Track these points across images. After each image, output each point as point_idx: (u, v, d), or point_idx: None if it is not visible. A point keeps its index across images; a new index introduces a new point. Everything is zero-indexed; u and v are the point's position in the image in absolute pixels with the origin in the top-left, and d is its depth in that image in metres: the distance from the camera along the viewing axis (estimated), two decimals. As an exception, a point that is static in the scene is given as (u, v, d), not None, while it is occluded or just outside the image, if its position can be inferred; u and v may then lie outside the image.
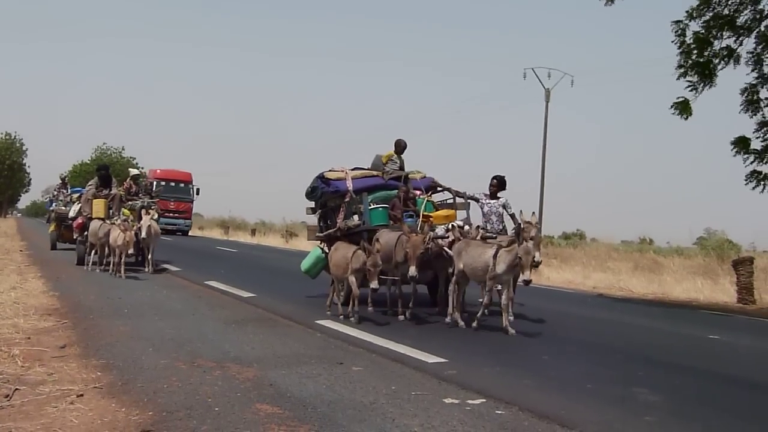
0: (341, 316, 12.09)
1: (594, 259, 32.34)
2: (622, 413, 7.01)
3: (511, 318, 11.79)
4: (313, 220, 16.77)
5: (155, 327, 10.84)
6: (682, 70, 14.32)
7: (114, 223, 18.56)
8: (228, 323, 11.52)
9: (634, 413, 6.98)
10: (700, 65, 13.76)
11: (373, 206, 13.90)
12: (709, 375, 9.46)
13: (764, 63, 13.65)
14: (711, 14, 14.00)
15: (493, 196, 14.04)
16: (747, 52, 13.80)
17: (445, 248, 12.34)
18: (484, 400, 7.06)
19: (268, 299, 14.84)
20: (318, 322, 11.73)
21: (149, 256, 19.75)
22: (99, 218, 19.79)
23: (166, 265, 21.85)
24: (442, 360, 8.90)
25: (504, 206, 13.98)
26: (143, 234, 18.78)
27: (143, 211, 20.40)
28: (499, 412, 6.70)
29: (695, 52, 14.12)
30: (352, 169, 14.64)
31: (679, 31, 14.20)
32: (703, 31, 14.04)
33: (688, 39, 14.11)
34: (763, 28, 13.56)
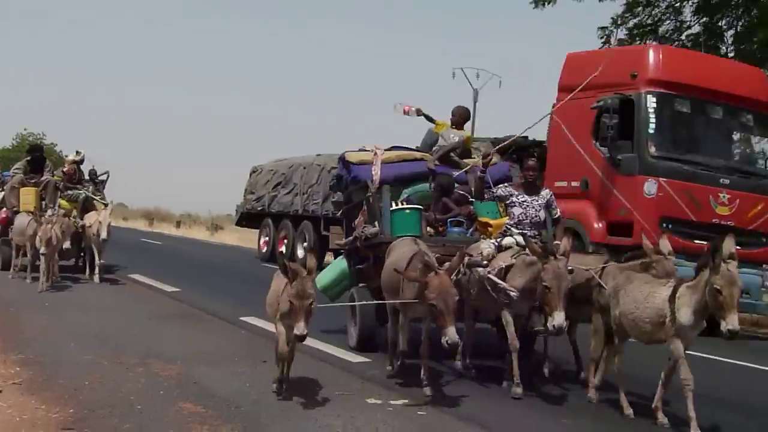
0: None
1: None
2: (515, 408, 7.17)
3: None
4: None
5: (77, 321, 10.67)
6: (607, 76, 14.60)
7: (44, 218, 13.90)
8: (152, 318, 11.41)
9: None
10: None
11: (396, 205, 9.30)
12: None
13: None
14: (635, 22, 14.31)
15: (530, 188, 8.60)
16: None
17: (503, 284, 7.61)
18: (406, 401, 7.10)
19: (193, 294, 14.64)
20: (243, 318, 11.63)
21: (98, 260, 15.24)
22: (28, 211, 14.87)
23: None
24: (367, 360, 8.96)
25: (548, 206, 8.66)
26: (103, 234, 14.46)
27: (101, 206, 16.15)
28: (421, 413, 6.77)
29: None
30: (389, 149, 10.36)
31: (605, 38, 14.53)
32: (628, 39, 14.34)
33: (613, 45, 14.36)
34: (683, 38, 13.91)
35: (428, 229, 9.44)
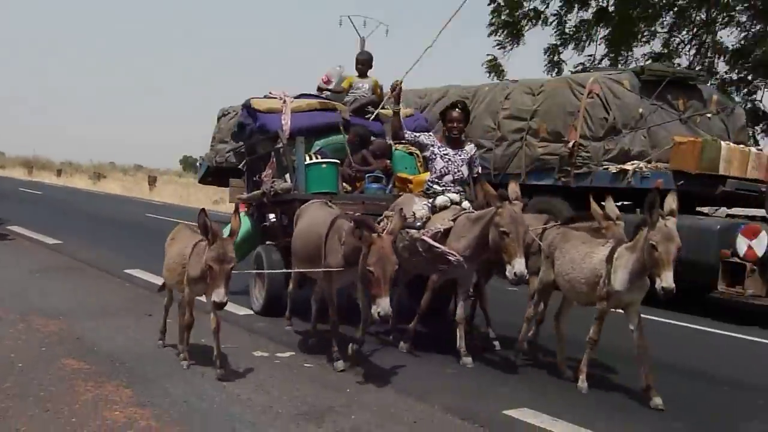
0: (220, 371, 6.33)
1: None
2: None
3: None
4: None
5: (-49, 275, 10.33)
6: (492, 28, 14.75)
7: None
8: (33, 272, 11.12)
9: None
10: (509, 24, 14.23)
11: (312, 159, 8.86)
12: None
13: (566, 24, 14.25)
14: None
15: (454, 141, 7.96)
16: (551, 14, 14.35)
17: (443, 248, 7.03)
18: (292, 353, 7.17)
19: (75, 246, 14.31)
20: (127, 271, 11.47)
21: None
22: None
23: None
24: (250, 312, 8.96)
25: (471, 161, 8.02)
26: None
27: None
28: (308, 365, 6.84)
29: (506, 11, 14.56)
30: (297, 97, 9.65)
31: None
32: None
33: (500, -1, 14.51)
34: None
35: (343, 185, 8.98)
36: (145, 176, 50.49)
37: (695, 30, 13.77)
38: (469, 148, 8.04)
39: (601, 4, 14.09)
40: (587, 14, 14.28)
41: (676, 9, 13.53)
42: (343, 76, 10.00)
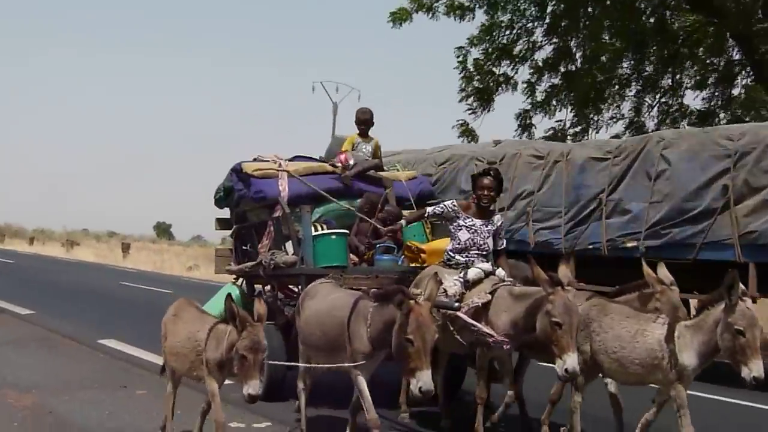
0: None
1: None
2: None
3: None
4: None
5: None
6: (463, 94, 14.97)
7: None
8: (5, 344, 11.00)
9: None
10: (480, 91, 14.43)
11: (319, 230, 7.98)
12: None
13: (536, 90, 14.49)
14: (490, 43, 14.70)
15: (483, 210, 7.14)
16: (522, 81, 14.60)
17: (482, 327, 6.23)
18: (269, 424, 7.09)
19: (48, 316, 14.18)
20: (101, 341, 11.36)
21: None
22: None
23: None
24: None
25: (497, 233, 7.24)
26: None
27: None
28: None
29: (476, 77, 14.78)
30: (291, 160, 8.76)
31: (462, 57, 14.84)
32: (483, 59, 14.73)
33: (470, 65, 14.73)
34: (536, 59, 14.41)
35: (351, 256, 8.05)
36: (119, 243, 50.18)
37: (661, 94, 14.05)
38: (497, 219, 7.28)
39: (570, 68, 14.32)
40: (556, 80, 14.52)
41: (644, 75, 13.81)
42: (344, 137, 9.26)
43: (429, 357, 5.28)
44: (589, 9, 13.88)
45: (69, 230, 59.81)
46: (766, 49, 11.83)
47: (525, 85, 14.56)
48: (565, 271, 5.86)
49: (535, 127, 14.89)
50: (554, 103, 14.73)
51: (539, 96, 14.81)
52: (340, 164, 8.59)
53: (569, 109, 14.60)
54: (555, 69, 14.32)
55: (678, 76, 13.80)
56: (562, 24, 14.11)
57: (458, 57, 14.96)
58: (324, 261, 7.54)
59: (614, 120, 14.70)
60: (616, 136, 14.28)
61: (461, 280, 6.59)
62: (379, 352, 5.72)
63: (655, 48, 13.24)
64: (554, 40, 14.45)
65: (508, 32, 14.54)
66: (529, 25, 14.47)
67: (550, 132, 14.64)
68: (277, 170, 8.30)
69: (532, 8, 14.28)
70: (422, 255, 7.80)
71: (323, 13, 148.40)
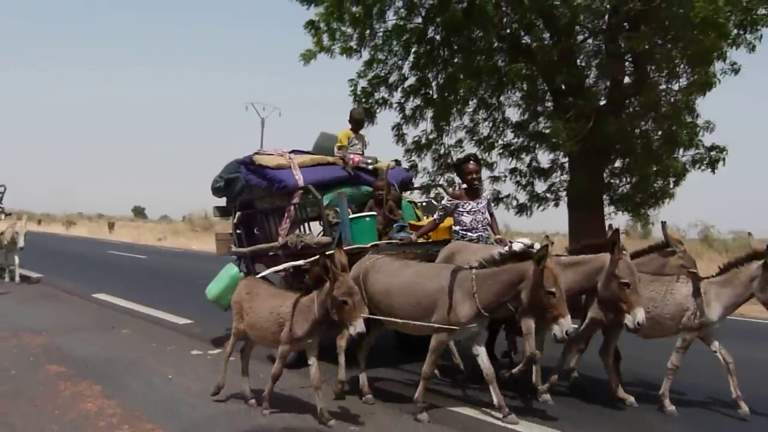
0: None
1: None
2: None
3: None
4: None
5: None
6: (354, 112, 14.97)
7: None
8: (22, 300, 10.55)
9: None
10: (366, 110, 14.41)
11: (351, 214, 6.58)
12: None
13: (405, 109, 14.56)
14: (372, 75, 14.71)
15: (473, 191, 6.37)
16: (395, 102, 14.65)
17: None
18: (220, 350, 6.91)
19: (54, 277, 13.67)
20: (94, 295, 10.98)
21: (17, 264, 13.05)
22: None
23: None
24: (190, 321, 8.72)
25: (488, 204, 6.46)
26: (21, 243, 12.50)
27: (14, 217, 14.25)
28: (231, 358, 6.66)
29: (363, 100, 14.76)
30: (291, 152, 7.37)
31: (353, 86, 14.78)
32: (368, 86, 14.72)
33: (359, 91, 14.70)
34: (405, 86, 14.47)
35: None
36: (106, 222, 48.43)
37: (491, 110, 14.32)
38: (486, 193, 6.51)
39: (428, 93, 14.45)
40: (419, 101, 14.63)
41: (479, 96, 14.05)
42: (330, 134, 7.81)
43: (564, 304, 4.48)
44: (442, 52, 14.02)
45: (68, 213, 57.43)
46: (560, 79, 12.18)
47: (397, 105, 14.63)
48: (617, 236, 4.94)
49: (406, 136, 15.03)
50: (418, 118, 14.85)
51: (408, 113, 14.86)
52: (351, 162, 7.20)
53: (429, 122, 14.78)
54: (417, 93, 14.42)
55: (501, 98, 14.09)
56: (422, 62, 14.20)
57: (350, 86, 14.93)
58: (361, 240, 6.25)
59: (459, 128, 14.89)
60: (460, 141, 14.51)
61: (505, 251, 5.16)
62: (480, 317, 4.76)
63: (486, 76, 13.46)
64: (417, 73, 14.51)
65: (384, 67, 14.60)
66: (399, 62, 14.53)
67: (416, 139, 14.82)
68: (288, 162, 6.94)
69: (401, 50, 14.34)
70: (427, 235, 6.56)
71: (256, 48, 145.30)
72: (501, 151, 14.30)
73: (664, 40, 11.30)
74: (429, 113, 14.82)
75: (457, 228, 6.29)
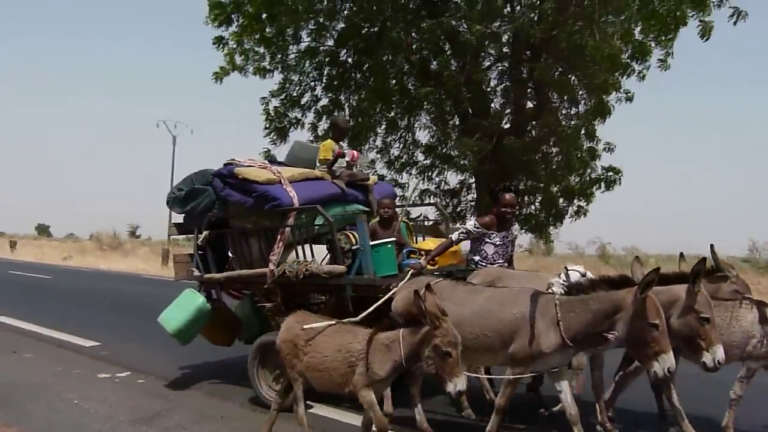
0: None
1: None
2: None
3: None
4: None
5: None
6: (267, 131, 14.94)
7: None
8: None
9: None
10: (278, 129, 14.45)
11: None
12: None
13: (318, 129, 14.68)
14: (285, 95, 14.74)
15: (505, 222, 5.77)
16: (308, 122, 14.73)
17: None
18: (129, 373, 6.85)
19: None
20: (-6, 317, 10.47)
21: None
22: None
23: None
24: (97, 343, 8.47)
25: (513, 241, 5.97)
26: None
27: None
28: (141, 381, 6.58)
29: (276, 120, 14.76)
30: (272, 164, 6.35)
31: (265, 105, 14.76)
32: (280, 106, 14.74)
33: (271, 111, 14.69)
34: (318, 107, 14.59)
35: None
36: (7, 240, 46.00)
37: (401, 132, 14.61)
38: (515, 228, 5.97)
39: (340, 113, 14.62)
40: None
41: (389, 118, 14.33)
42: (306, 143, 7.25)
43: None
44: (354, 75, 14.25)
45: (10, 234, 54.47)
46: (467, 103, 12.60)
47: (310, 125, 14.73)
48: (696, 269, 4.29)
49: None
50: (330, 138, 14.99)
51: (320, 132, 14.97)
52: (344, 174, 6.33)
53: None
54: (330, 114, 14.57)
55: (411, 120, 14.41)
56: (334, 83, 14.37)
57: (263, 105, 14.91)
58: (384, 270, 5.39)
59: (370, 149, 15.10)
60: (372, 161, 14.64)
61: (563, 282, 4.70)
62: (565, 348, 4.23)
63: (397, 99, 13.76)
64: (330, 94, 14.67)
65: (297, 88, 14.67)
66: (312, 83, 14.64)
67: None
68: (277, 176, 5.83)
69: (314, 72, 14.48)
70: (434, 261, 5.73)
71: (168, 65, 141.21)
72: (411, 171, 14.63)
73: (564, 69, 11.93)
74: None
75: (476, 258, 5.75)
